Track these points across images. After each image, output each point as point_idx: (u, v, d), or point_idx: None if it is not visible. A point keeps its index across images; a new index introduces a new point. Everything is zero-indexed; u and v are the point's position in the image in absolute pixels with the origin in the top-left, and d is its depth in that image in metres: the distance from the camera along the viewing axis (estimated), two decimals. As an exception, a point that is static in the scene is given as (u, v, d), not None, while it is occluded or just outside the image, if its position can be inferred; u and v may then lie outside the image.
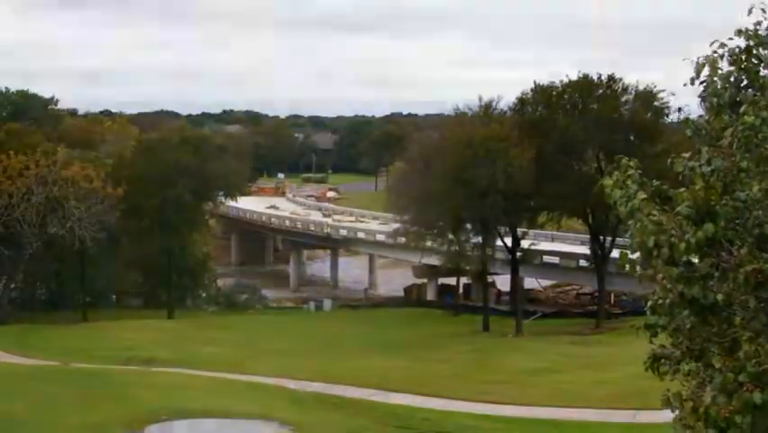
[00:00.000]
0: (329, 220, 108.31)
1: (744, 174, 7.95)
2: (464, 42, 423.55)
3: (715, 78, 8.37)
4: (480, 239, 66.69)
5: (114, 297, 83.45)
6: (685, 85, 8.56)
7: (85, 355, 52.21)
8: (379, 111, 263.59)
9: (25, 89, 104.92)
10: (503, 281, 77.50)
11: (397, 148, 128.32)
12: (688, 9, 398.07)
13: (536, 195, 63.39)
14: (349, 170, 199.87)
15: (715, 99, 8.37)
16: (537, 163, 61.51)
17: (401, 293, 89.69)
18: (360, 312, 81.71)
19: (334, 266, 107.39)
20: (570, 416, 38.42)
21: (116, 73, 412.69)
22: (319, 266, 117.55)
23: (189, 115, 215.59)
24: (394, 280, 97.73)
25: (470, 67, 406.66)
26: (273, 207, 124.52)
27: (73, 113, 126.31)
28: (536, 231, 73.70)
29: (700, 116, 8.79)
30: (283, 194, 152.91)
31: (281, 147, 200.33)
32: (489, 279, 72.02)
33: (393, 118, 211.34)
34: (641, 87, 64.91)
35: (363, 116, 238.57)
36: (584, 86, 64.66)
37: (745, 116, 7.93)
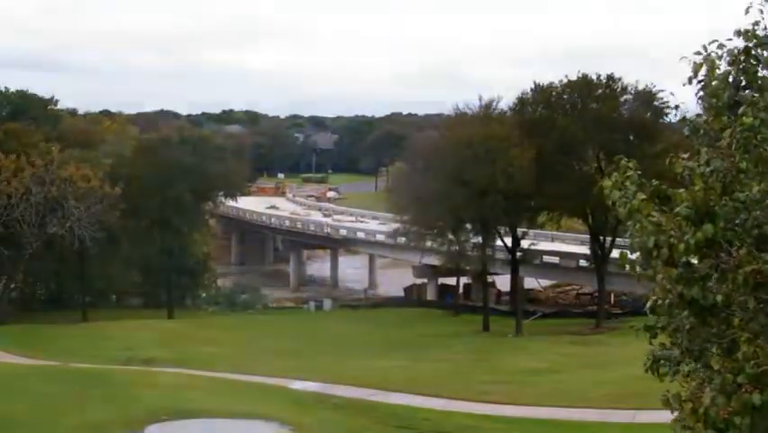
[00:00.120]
0: (329, 220, 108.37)
1: (743, 175, 7.94)
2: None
3: (713, 80, 8.37)
4: (479, 239, 66.71)
5: (114, 297, 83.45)
6: (684, 85, 8.56)
7: (85, 355, 52.20)
8: (379, 111, 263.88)
9: (24, 89, 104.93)
10: (503, 281, 77.51)
11: (397, 148, 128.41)
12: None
13: (536, 195, 63.40)
14: (349, 170, 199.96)
15: (713, 100, 8.37)
16: (537, 163, 61.53)
17: (401, 293, 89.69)
18: (360, 312, 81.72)
19: (334, 266, 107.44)
20: (570, 416, 38.41)
21: (117, 72, 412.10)
22: (319, 266, 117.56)
23: (189, 115, 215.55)
24: (394, 281, 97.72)
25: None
26: (273, 207, 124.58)
27: (72, 113, 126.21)
28: (536, 231, 73.69)
29: (698, 116, 8.79)
30: (283, 194, 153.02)
31: (281, 147, 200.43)
32: (489, 279, 72.05)
33: (393, 118, 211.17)
34: (640, 87, 64.97)
35: (363, 116, 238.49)
36: (583, 86, 64.66)
37: (744, 117, 7.92)
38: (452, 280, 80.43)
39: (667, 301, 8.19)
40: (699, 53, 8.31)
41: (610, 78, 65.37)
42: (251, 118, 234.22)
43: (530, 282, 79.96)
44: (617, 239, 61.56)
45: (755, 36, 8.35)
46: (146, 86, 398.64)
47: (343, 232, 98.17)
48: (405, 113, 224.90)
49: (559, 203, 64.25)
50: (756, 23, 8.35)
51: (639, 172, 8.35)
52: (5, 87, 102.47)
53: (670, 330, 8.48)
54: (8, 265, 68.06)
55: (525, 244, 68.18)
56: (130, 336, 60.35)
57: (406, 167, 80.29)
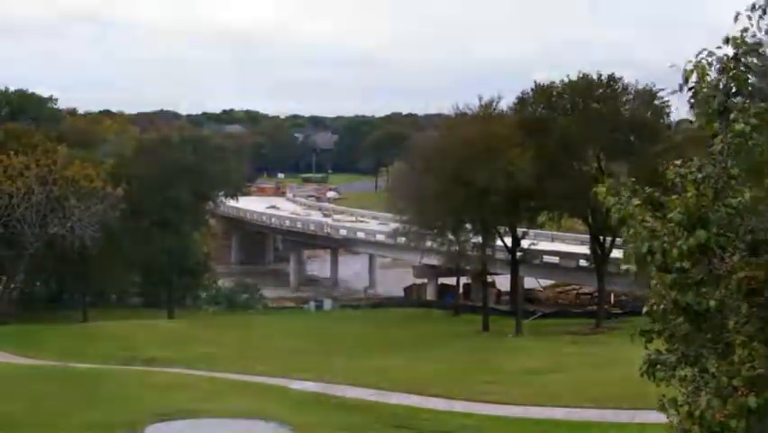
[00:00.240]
0: (329, 220, 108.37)
1: (734, 181, 7.98)
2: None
3: (704, 87, 8.42)
4: (479, 239, 66.72)
5: (114, 297, 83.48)
6: (674, 92, 8.61)
7: (85, 355, 52.25)
8: (379, 111, 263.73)
9: (25, 88, 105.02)
10: (503, 281, 77.53)
11: (396, 148, 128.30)
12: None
13: (536, 195, 63.39)
14: (349, 170, 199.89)
15: (704, 107, 8.41)
16: (537, 163, 61.54)
17: (401, 293, 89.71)
18: (360, 312, 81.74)
19: (334, 266, 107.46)
20: (570, 416, 38.43)
21: (116, 71, 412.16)
22: (319, 266, 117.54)
23: (189, 115, 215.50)
24: (394, 281, 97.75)
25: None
26: (273, 206, 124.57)
27: (72, 112, 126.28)
28: (536, 231, 73.64)
29: (691, 122, 8.83)
30: (283, 194, 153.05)
31: (281, 147, 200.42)
32: (489, 279, 72.05)
33: (393, 118, 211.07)
34: (641, 87, 64.95)
35: (363, 116, 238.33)
36: (584, 85, 64.65)
37: (735, 124, 7.97)
38: (452, 280, 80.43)
39: (662, 307, 8.24)
40: (690, 61, 8.37)
41: (611, 77, 65.37)
42: (252, 118, 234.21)
43: (530, 282, 79.97)
44: (617, 239, 61.59)
45: (744, 43, 8.39)
46: (146, 85, 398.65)
47: (343, 232, 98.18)
48: (405, 113, 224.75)
49: (559, 203, 64.24)
50: (745, 30, 8.40)
51: (633, 179, 8.39)
52: (5, 87, 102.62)
53: (665, 335, 8.52)
54: (9, 265, 68.09)
55: (525, 243, 68.18)
56: (130, 336, 60.39)
57: (405, 167, 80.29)
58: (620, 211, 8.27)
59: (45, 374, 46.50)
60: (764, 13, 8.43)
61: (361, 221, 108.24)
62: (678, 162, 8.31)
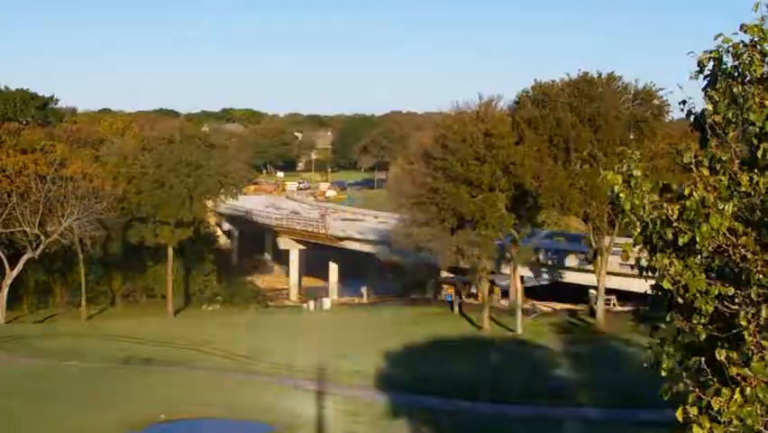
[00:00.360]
0: (328, 218, 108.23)
1: (747, 168, 7.89)
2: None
3: (718, 73, 8.33)
4: (479, 237, 66.54)
5: (114, 296, 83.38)
6: (691, 78, 8.51)
7: (84, 354, 52.18)
8: (379, 109, 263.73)
9: (25, 88, 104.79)
10: (503, 280, 77.44)
11: (396, 146, 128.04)
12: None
13: (536, 193, 63.31)
14: (348, 168, 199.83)
15: (719, 94, 8.32)
16: (537, 161, 61.40)
17: (400, 292, 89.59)
18: (359, 311, 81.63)
19: (334, 265, 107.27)
20: (570, 415, 38.46)
21: (116, 71, 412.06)
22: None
23: (189, 114, 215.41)
24: (393, 279, 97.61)
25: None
26: (273, 205, 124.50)
27: (73, 111, 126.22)
28: (536, 229, 73.45)
29: (704, 110, 8.73)
30: (283, 192, 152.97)
31: (281, 145, 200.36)
32: (489, 277, 71.91)
33: (392, 116, 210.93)
34: (640, 86, 64.87)
35: (363, 114, 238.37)
36: (584, 84, 64.54)
37: (750, 111, 7.88)
38: (451, 279, 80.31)
39: (670, 294, 8.15)
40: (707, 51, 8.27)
41: (611, 76, 65.26)
42: (251, 117, 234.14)
43: (530, 281, 79.84)
44: (617, 238, 61.55)
45: (762, 31, 8.30)
46: (146, 84, 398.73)
47: (343, 230, 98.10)
48: (404, 111, 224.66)
49: (559, 201, 64.13)
50: (763, 18, 8.29)
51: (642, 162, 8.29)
52: (5, 87, 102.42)
53: (672, 323, 8.42)
54: (8, 264, 68.00)
55: (525, 242, 68.03)
56: (130, 336, 60.32)
57: (405, 165, 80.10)
58: (630, 196, 8.16)
59: (45, 374, 46.45)
60: None
61: (361, 219, 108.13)
62: (694, 147, 8.20)
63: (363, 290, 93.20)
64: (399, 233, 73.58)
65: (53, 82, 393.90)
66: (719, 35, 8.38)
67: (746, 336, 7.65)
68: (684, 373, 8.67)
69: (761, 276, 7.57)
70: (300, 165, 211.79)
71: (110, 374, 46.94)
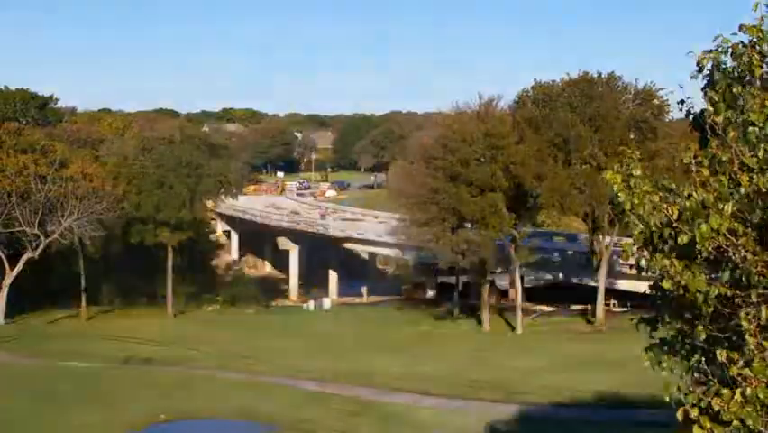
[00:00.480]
0: (329, 218, 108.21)
1: (747, 168, 7.88)
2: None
3: (717, 73, 8.32)
4: (479, 237, 66.52)
5: (114, 296, 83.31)
6: (692, 77, 8.51)
7: (84, 354, 52.19)
8: (379, 109, 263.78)
9: (25, 88, 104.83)
10: (503, 280, 77.41)
11: (396, 146, 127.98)
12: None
13: (536, 192, 63.31)
14: (348, 168, 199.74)
15: (718, 94, 8.31)
16: (537, 161, 61.41)
17: (400, 292, 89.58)
18: (359, 311, 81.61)
19: (334, 265, 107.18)
20: (570, 414, 38.43)
21: (116, 71, 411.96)
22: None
23: (189, 114, 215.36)
24: (393, 279, 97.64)
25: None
26: (273, 205, 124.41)
27: (73, 111, 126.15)
28: (536, 229, 73.42)
29: (703, 110, 8.73)
30: (282, 192, 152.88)
31: (281, 145, 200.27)
32: (489, 277, 71.86)
33: (392, 116, 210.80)
34: (640, 86, 64.88)
35: (363, 114, 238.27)
36: (584, 84, 64.55)
37: (749, 112, 7.87)
38: (451, 279, 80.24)
39: (670, 293, 8.13)
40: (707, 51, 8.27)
41: (611, 76, 65.28)
42: (251, 117, 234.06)
43: (530, 280, 79.76)
44: (617, 237, 61.56)
45: (760, 31, 8.29)
46: (146, 84, 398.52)
47: (343, 230, 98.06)
48: (404, 111, 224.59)
49: (559, 201, 64.13)
50: (762, 18, 8.28)
51: (642, 162, 8.27)
52: (5, 87, 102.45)
53: (672, 323, 8.41)
54: (8, 264, 67.96)
55: (524, 241, 68.01)
56: (130, 336, 60.32)
57: (405, 165, 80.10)
58: (629, 196, 8.15)
59: (45, 374, 46.47)
60: None
61: (361, 219, 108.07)
62: (693, 147, 8.19)
63: (363, 289, 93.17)
64: (399, 233, 73.63)
65: (53, 82, 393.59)
66: (718, 36, 8.38)
67: (747, 337, 7.63)
68: (684, 373, 8.66)
69: (761, 277, 7.56)
70: (300, 165, 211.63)
71: (110, 374, 46.95)
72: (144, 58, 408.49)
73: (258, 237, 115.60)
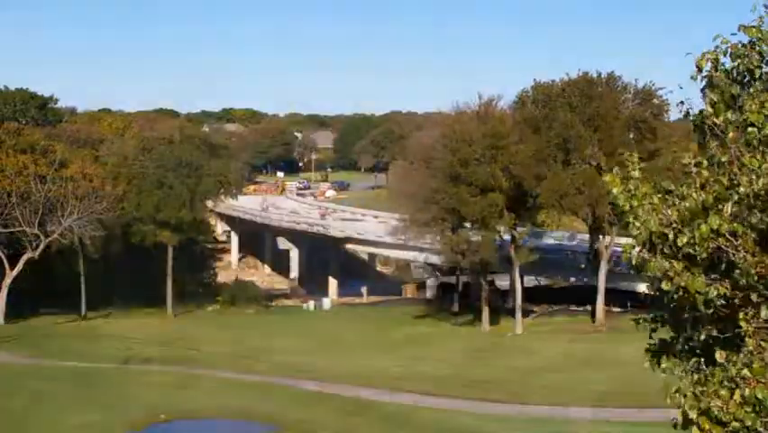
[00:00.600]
0: (329, 218, 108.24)
1: (747, 169, 7.88)
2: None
3: (716, 74, 8.31)
4: (480, 237, 66.54)
5: (114, 296, 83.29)
6: (692, 78, 8.49)
7: (84, 354, 52.22)
8: (379, 109, 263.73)
9: (25, 88, 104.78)
10: (503, 280, 77.41)
11: (396, 146, 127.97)
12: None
13: (536, 192, 63.28)
14: (348, 168, 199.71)
15: (717, 95, 8.30)
16: (537, 161, 61.41)
17: (400, 292, 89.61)
18: (359, 311, 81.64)
19: (334, 265, 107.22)
20: (570, 414, 38.43)
21: (116, 71, 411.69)
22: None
23: (189, 114, 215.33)
24: (393, 279, 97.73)
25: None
26: (273, 205, 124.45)
27: (72, 111, 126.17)
28: (536, 229, 73.37)
29: (702, 111, 8.72)
30: (282, 192, 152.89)
31: (281, 145, 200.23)
32: (489, 277, 71.87)
33: (393, 116, 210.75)
34: (640, 86, 64.84)
35: (363, 114, 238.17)
36: (584, 84, 64.52)
37: (750, 113, 7.86)
38: (452, 279, 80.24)
39: (670, 294, 8.13)
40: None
41: (611, 76, 65.25)
42: (251, 117, 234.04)
43: (530, 281, 79.74)
44: (617, 238, 61.56)
45: (760, 31, 8.28)
46: (145, 83, 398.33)
47: (343, 230, 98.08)
48: (404, 111, 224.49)
49: (559, 201, 64.10)
50: (761, 18, 8.27)
51: (641, 166, 8.27)
52: (5, 86, 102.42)
53: (672, 324, 8.40)
54: (8, 265, 67.98)
55: (525, 241, 68.01)
56: (130, 336, 60.35)
57: (405, 165, 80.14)
58: (629, 198, 8.15)
59: (45, 373, 46.47)
60: None
61: (361, 219, 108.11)
62: (693, 148, 8.19)
63: (363, 289, 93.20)
64: (400, 233, 73.66)
65: (53, 82, 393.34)
66: (717, 36, 8.37)
67: (746, 338, 7.63)
68: (683, 374, 8.65)
69: (760, 278, 7.56)
70: (301, 165, 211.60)
71: (110, 374, 46.96)
72: (144, 58, 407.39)
73: (258, 238, 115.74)
